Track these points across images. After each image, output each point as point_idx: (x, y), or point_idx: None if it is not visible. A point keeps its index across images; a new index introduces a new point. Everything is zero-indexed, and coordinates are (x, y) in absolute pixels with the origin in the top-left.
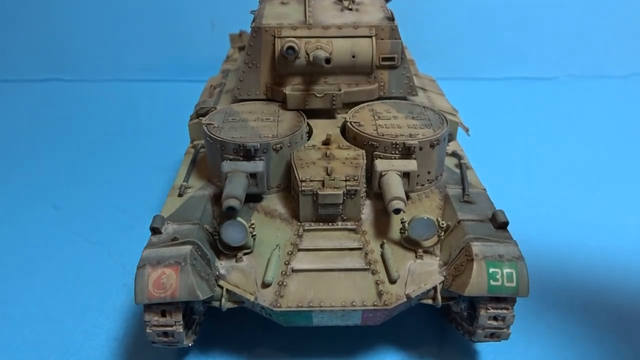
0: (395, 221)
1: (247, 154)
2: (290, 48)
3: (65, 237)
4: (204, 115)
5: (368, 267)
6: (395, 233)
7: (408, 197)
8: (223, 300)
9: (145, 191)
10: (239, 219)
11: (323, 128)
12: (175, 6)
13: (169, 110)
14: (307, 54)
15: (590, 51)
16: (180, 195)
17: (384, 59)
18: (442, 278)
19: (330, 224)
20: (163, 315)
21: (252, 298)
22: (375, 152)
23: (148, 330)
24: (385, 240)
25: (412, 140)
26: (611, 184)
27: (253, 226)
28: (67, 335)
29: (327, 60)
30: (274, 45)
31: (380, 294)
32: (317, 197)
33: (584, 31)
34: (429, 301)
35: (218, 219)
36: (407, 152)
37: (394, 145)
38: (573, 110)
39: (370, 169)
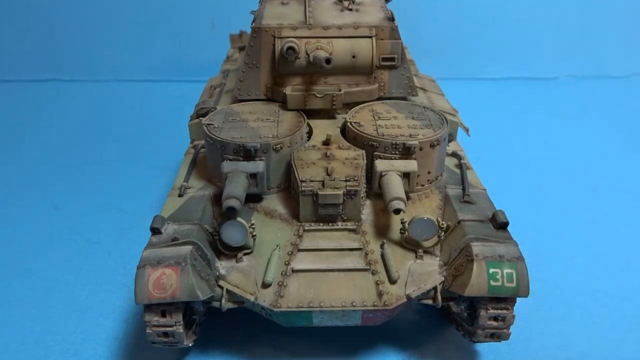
0: (396, 221)
1: (247, 154)
2: (291, 48)
3: (65, 237)
4: (204, 115)
5: (368, 267)
6: (395, 233)
7: (408, 198)
8: (223, 300)
9: (145, 191)
10: (239, 219)
11: (323, 128)
12: (175, 6)
13: (169, 110)
14: (307, 54)
15: (590, 51)
16: (180, 195)
17: (384, 59)
18: (442, 278)
19: (331, 224)
20: (163, 315)
21: (252, 298)
22: (376, 153)
23: (148, 331)
24: (385, 241)
25: (412, 141)
26: (612, 184)
27: (253, 226)
28: (67, 336)
29: (328, 61)
30: (274, 45)
31: (380, 294)
32: (317, 198)
33: (584, 31)
34: (429, 301)
35: (218, 219)
36: (407, 153)
37: (394, 146)
38: (573, 111)
39: (370, 169)
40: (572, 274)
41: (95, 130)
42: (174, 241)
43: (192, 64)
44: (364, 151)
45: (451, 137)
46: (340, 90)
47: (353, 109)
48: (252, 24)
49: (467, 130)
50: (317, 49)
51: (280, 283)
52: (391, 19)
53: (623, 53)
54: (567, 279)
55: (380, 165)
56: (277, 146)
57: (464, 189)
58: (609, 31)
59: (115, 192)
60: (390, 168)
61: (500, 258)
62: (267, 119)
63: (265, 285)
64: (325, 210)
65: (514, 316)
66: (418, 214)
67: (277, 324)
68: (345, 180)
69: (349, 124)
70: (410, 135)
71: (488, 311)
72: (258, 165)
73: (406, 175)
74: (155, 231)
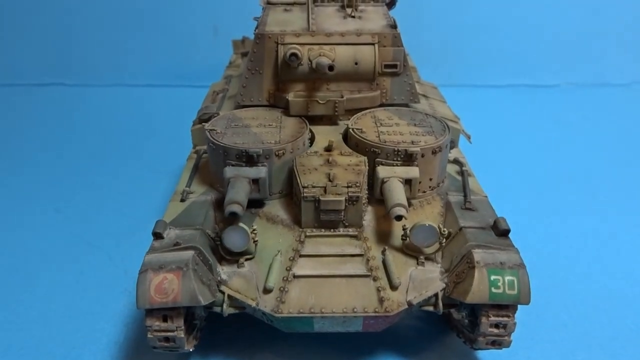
0: (397, 228)
1: (250, 159)
2: (293, 55)
3: (67, 240)
4: (206, 120)
5: (369, 273)
6: (396, 240)
7: (410, 204)
8: (224, 305)
9: (147, 196)
10: (241, 224)
11: (325, 134)
12: (178, 12)
13: (171, 115)
14: (310, 60)
15: (591, 59)
16: (182, 200)
17: (387, 66)
18: (444, 285)
19: (332, 230)
20: (164, 320)
21: (253, 304)
22: (377, 159)
23: (149, 335)
24: (386, 247)
25: (414, 147)
26: (612, 192)
27: (255, 232)
28: (68, 340)
29: (331, 67)
30: (277, 52)
31: (381, 301)
32: (319, 203)
33: (586, 39)
34: (430, 308)
35: (220, 224)
36: (409, 159)
37: (396, 152)
38: (574, 118)
39: (372, 176)
40: (573, 282)
41: (98, 135)
42: (175, 246)
43: (195, 70)
44: (366, 157)
45: (453, 144)
46: (342, 97)
47: (355, 116)
48: (255, 31)
49: (468, 137)
50: (320, 55)
51: (281, 289)
52: (394, 26)
53: (624, 61)
54: (568, 287)
55: (382, 171)
56: (279, 152)
57: (465, 196)
58: (610, 39)
59: (117, 197)
60: (392, 174)
61: (502, 265)
62: (269, 125)
63: (267, 291)
64: (327, 216)
65: (515, 323)
66: (419, 221)
67: (278, 329)
68: (347, 187)
69: (351, 130)
70: (412, 142)
71: (489, 318)
72: (260, 171)
73: (408, 182)
74: (157, 236)
